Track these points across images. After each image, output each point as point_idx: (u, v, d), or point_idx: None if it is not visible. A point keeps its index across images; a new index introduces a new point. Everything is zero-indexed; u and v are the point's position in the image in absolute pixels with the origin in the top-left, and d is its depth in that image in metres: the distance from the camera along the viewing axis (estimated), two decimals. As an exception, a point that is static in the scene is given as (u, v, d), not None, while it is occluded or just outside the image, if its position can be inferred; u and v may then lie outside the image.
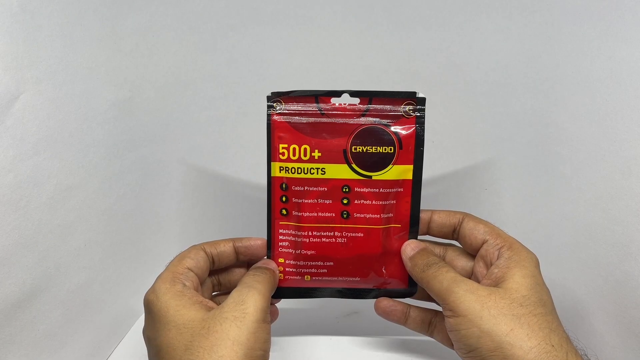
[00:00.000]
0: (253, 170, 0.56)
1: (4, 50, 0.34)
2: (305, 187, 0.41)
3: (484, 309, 0.34)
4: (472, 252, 0.41)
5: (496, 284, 0.36)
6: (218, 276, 0.43)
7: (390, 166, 0.41)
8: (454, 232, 0.42)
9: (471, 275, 0.41)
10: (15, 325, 0.36)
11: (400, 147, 0.41)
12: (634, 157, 0.40)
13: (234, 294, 0.35)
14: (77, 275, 0.42)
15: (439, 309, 0.38)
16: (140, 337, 0.37)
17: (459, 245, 0.43)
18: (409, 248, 0.41)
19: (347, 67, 0.51)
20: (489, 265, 0.39)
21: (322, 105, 0.41)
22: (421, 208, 0.42)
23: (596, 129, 0.43)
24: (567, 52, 0.45)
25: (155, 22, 0.48)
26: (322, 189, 0.41)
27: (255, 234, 0.43)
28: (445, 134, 0.52)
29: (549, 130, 0.48)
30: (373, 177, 0.41)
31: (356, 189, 0.41)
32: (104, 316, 0.47)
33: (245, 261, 0.43)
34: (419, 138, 0.41)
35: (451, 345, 0.39)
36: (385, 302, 0.42)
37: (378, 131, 0.41)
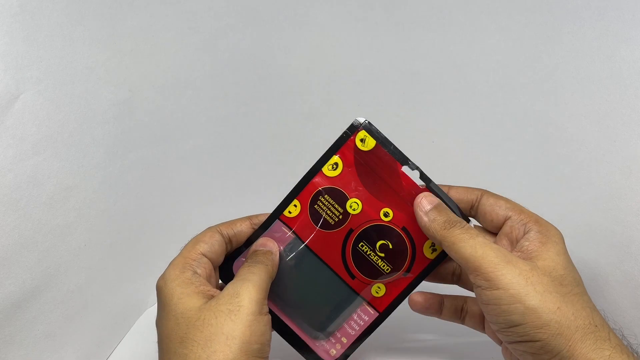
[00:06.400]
0: (253, 170, 0.56)
1: (4, 50, 0.34)
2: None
3: (529, 285, 0.32)
4: (493, 230, 0.39)
5: (528, 257, 0.35)
6: None
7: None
8: (472, 209, 0.40)
9: None
10: (15, 325, 0.36)
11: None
12: (634, 157, 0.40)
13: (229, 286, 0.35)
14: (77, 275, 0.42)
15: (468, 293, 0.37)
16: (140, 337, 0.37)
17: (478, 224, 0.41)
18: (425, 201, 0.38)
19: (347, 67, 0.51)
20: (514, 242, 0.37)
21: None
22: (438, 183, 0.40)
23: (596, 129, 0.43)
24: (567, 52, 0.45)
25: (155, 22, 0.48)
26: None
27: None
28: (445, 134, 0.52)
29: (549, 130, 0.48)
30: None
31: None
32: (104, 316, 0.47)
33: None
34: None
35: (483, 329, 0.38)
36: (421, 296, 0.40)
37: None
